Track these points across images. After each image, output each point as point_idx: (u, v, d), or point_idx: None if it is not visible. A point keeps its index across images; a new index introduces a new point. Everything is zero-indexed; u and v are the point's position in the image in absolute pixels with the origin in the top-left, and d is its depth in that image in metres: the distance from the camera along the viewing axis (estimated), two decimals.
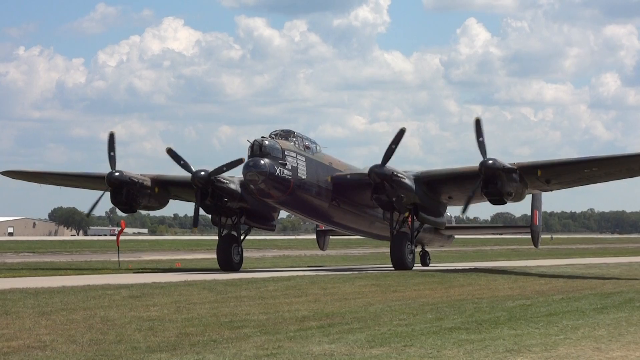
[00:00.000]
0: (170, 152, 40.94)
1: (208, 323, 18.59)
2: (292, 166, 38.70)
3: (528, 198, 44.20)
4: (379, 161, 39.96)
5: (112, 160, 41.96)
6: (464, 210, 40.02)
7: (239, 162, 38.40)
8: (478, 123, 38.41)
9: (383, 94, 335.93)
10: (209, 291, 26.29)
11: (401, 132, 39.43)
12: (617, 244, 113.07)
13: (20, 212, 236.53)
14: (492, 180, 38.21)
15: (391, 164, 40.09)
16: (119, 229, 54.31)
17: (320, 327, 18.01)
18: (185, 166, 40.85)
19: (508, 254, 69.31)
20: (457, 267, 44.12)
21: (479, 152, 38.45)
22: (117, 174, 41.80)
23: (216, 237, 44.79)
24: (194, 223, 44.48)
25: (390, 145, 39.56)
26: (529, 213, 49.99)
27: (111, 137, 42.20)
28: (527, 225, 51.28)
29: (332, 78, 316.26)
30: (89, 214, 45.80)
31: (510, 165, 38.45)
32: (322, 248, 55.02)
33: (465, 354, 14.52)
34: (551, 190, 42.32)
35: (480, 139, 38.39)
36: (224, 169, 39.81)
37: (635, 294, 26.32)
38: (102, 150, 43.09)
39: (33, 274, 37.23)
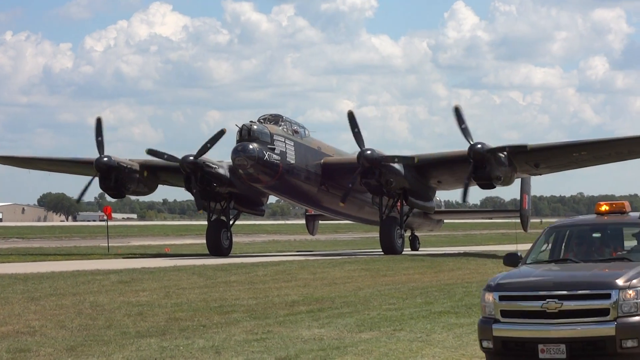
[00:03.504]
0: (152, 152, 40.87)
1: (197, 308, 18.58)
2: (280, 151, 38.66)
3: (517, 182, 44.25)
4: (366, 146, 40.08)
5: (100, 145, 41.90)
6: (463, 199, 40.00)
7: (220, 133, 39.07)
8: (458, 111, 38.56)
9: (371, 78, 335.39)
10: (198, 276, 26.29)
11: (351, 115, 40.03)
12: None
13: (9, 198, 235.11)
14: (481, 164, 38.25)
15: (379, 148, 40.20)
16: (104, 215, 54.02)
17: (310, 311, 18.03)
18: (170, 158, 40.75)
19: (497, 238, 69.41)
20: (446, 252, 44.16)
21: (464, 139, 38.60)
22: (105, 159, 41.62)
23: (205, 222, 44.69)
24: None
25: (353, 130, 39.91)
26: (518, 197, 50.07)
27: (98, 122, 42.20)
28: (517, 209, 51.39)
29: (320, 62, 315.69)
30: (78, 200, 45.59)
31: (498, 147, 38.47)
32: (311, 233, 55.01)
33: (454, 338, 14.54)
34: (540, 174, 42.40)
35: (463, 126, 38.46)
36: (208, 145, 39.76)
37: None
38: (91, 135, 43.06)
39: (22, 260, 37.19)
